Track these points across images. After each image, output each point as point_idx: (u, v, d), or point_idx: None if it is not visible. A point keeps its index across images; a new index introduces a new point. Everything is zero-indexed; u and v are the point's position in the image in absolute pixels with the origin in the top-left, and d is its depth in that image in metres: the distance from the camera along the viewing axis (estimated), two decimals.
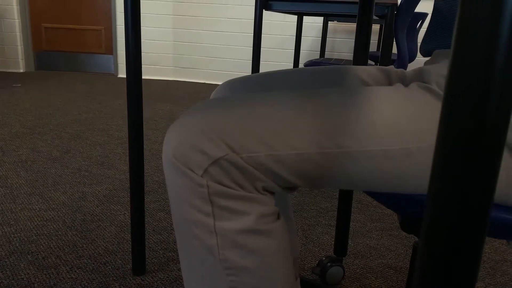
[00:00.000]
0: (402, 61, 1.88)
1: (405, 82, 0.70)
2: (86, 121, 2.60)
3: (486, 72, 0.19)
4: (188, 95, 3.70)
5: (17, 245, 1.18)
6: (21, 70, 4.30)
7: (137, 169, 1.16)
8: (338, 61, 2.80)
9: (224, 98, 0.50)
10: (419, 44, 1.70)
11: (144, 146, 2.14)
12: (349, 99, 0.47)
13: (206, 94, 3.82)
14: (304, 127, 0.45)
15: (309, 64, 2.62)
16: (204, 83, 4.34)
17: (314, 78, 0.72)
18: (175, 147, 0.45)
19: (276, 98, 0.48)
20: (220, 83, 4.26)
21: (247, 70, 4.16)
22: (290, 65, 4.01)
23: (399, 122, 0.45)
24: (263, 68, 4.05)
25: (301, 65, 3.78)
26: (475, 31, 0.19)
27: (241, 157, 0.43)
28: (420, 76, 0.52)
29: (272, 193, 0.47)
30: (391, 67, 0.74)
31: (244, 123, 0.45)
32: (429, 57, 0.66)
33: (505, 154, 0.43)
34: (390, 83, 0.70)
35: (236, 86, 0.74)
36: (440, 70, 0.51)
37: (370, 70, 0.73)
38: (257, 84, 0.73)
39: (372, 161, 0.45)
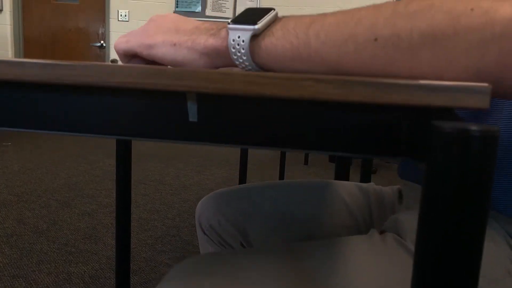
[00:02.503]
0: None
1: (383, 204, 0.72)
2: (75, 186, 2.59)
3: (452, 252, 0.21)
4: (179, 155, 3.73)
5: None
6: None
7: (124, 248, 1.17)
8: None
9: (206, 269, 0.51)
10: None
11: (132, 215, 2.13)
12: (326, 271, 0.49)
13: (197, 153, 3.85)
14: None
15: None
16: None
17: (297, 197, 0.74)
18: None
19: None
20: None
21: None
22: None
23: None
24: None
25: None
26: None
27: None
28: (395, 227, 0.54)
29: None
30: (370, 184, 0.78)
31: None
32: (404, 183, 0.69)
33: None
34: (368, 203, 0.73)
35: (222, 207, 0.76)
36: (415, 225, 0.54)
37: (350, 188, 0.76)
38: (241, 200, 0.75)
39: None
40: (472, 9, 0.30)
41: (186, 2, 4.13)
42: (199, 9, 4.13)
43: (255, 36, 0.38)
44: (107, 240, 1.84)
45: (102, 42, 4.30)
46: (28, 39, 4.31)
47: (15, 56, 4.25)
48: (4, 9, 4.11)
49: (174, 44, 0.42)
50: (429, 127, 0.25)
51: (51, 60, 0.29)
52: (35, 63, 0.29)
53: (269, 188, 0.77)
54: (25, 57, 4.34)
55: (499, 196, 0.51)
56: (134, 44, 0.43)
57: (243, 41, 0.38)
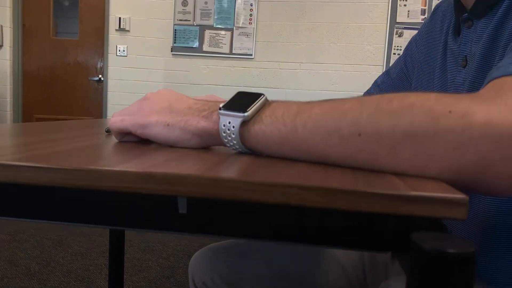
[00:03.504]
0: None
1: (377, 262, 0.72)
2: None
3: None
4: None
5: None
6: None
7: None
8: None
9: None
10: None
11: (126, 254, 2.11)
12: None
13: None
14: None
15: None
16: None
17: (291, 254, 0.74)
18: None
19: None
20: None
21: None
22: None
23: None
24: None
25: None
26: None
27: None
28: None
29: None
30: None
31: None
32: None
33: None
34: (363, 261, 0.73)
35: (215, 264, 0.76)
36: None
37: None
38: (234, 257, 0.75)
39: None
40: (450, 112, 0.31)
41: (184, 37, 4.22)
42: (196, 44, 4.21)
43: (245, 122, 0.39)
44: (100, 282, 1.81)
45: (100, 76, 4.36)
46: (27, 74, 4.37)
47: (14, 91, 4.29)
48: (4, 44, 4.18)
49: (168, 125, 0.43)
50: (409, 238, 0.26)
51: (46, 166, 0.30)
52: (30, 167, 0.30)
53: (262, 244, 0.77)
54: (23, 91, 4.38)
55: None
56: (128, 123, 0.44)
57: (233, 127, 0.39)
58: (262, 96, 0.41)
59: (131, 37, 4.28)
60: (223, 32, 4.16)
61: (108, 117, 4.36)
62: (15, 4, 4.23)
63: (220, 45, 4.19)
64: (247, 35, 4.14)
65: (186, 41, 4.25)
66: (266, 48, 4.12)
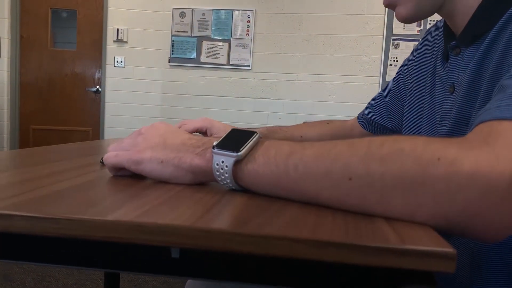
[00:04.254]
0: None
1: None
2: None
3: None
4: None
5: None
6: None
7: None
8: None
9: None
10: None
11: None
12: None
13: None
14: None
15: None
16: None
17: None
18: None
19: None
20: None
21: None
22: None
23: None
24: None
25: None
26: None
27: None
28: None
29: None
30: None
31: None
32: None
33: None
34: None
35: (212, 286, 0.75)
36: None
37: None
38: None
39: None
40: (438, 159, 0.32)
41: (181, 49, 4.24)
42: (194, 55, 4.23)
43: (238, 161, 0.39)
44: None
45: (98, 87, 4.37)
46: (25, 85, 4.37)
47: (11, 101, 4.29)
48: (1, 55, 4.19)
49: (162, 161, 0.43)
50: None
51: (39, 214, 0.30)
52: (22, 216, 0.30)
53: None
54: (21, 102, 4.38)
55: None
56: (123, 159, 0.45)
57: (226, 166, 0.39)
58: (255, 134, 0.41)
59: (129, 48, 4.30)
60: (220, 43, 4.18)
61: (105, 127, 4.36)
62: (13, 15, 4.24)
63: (218, 56, 4.21)
64: (244, 46, 4.16)
65: (183, 52, 4.26)
66: (264, 59, 4.14)
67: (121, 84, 4.31)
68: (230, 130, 0.43)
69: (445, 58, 0.60)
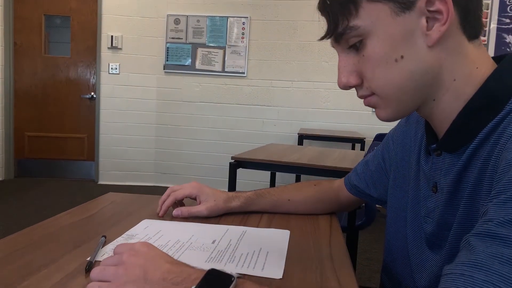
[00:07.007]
0: None
1: None
2: None
3: None
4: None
5: None
6: (0, 178, 4.29)
7: None
8: None
9: None
10: None
11: None
12: None
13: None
14: None
15: None
16: None
17: None
18: None
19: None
20: None
21: (225, 176, 4.24)
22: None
23: None
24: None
25: None
26: None
27: None
28: None
29: None
30: None
31: None
32: None
33: None
34: None
35: None
36: None
37: None
38: None
39: None
40: None
41: (176, 55, 4.23)
42: (189, 62, 4.22)
43: None
44: None
45: (92, 94, 4.36)
46: (19, 92, 4.35)
47: (5, 109, 4.27)
48: None
49: None
50: None
51: None
52: None
53: None
54: (15, 109, 4.36)
55: None
56: None
57: None
58: (233, 280, 0.43)
59: (124, 55, 4.28)
60: (215, 50, 4.18)
61: (100, 133, 4.34)
62: (6, 22, 4.22)
63: (213, 63, 4.21)
64: (239, 53, 4.15)
65: (178, 59, 4.26)
66: (258, 66, 4.14)
67: (116, 91, 4.30)
68: (208, 270, 0.45)
69: (428, 152, 0.59)
